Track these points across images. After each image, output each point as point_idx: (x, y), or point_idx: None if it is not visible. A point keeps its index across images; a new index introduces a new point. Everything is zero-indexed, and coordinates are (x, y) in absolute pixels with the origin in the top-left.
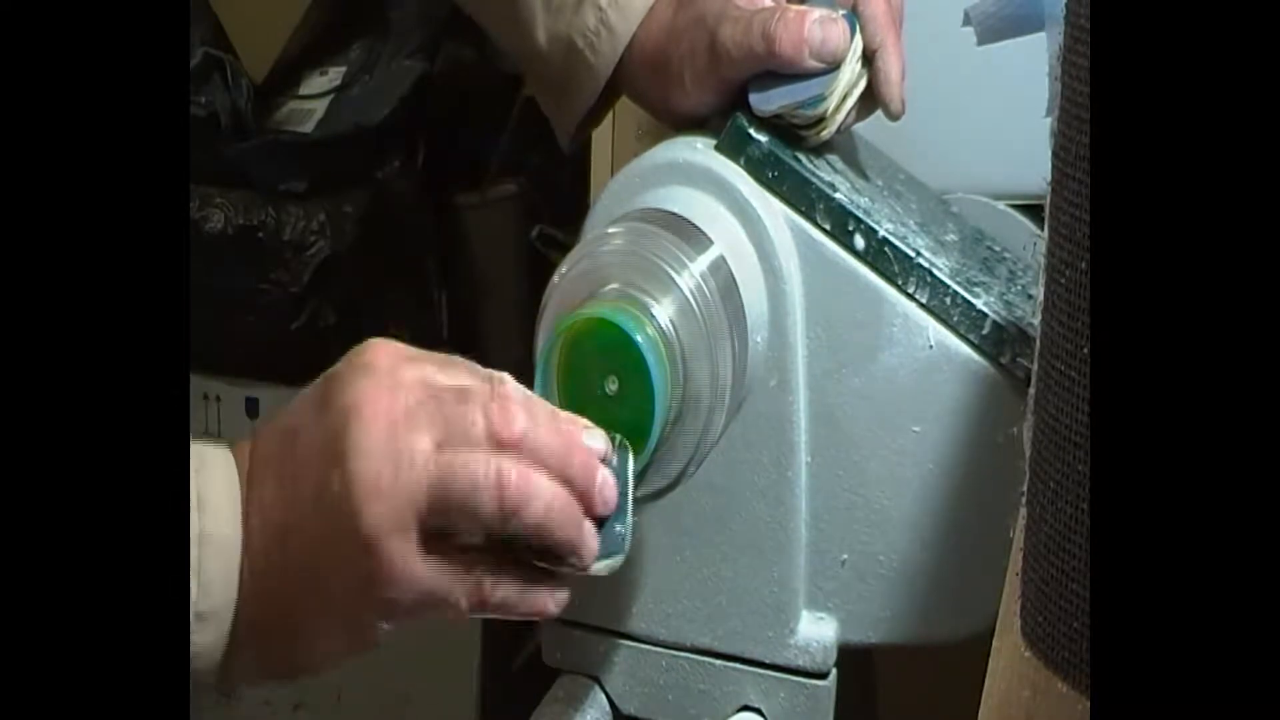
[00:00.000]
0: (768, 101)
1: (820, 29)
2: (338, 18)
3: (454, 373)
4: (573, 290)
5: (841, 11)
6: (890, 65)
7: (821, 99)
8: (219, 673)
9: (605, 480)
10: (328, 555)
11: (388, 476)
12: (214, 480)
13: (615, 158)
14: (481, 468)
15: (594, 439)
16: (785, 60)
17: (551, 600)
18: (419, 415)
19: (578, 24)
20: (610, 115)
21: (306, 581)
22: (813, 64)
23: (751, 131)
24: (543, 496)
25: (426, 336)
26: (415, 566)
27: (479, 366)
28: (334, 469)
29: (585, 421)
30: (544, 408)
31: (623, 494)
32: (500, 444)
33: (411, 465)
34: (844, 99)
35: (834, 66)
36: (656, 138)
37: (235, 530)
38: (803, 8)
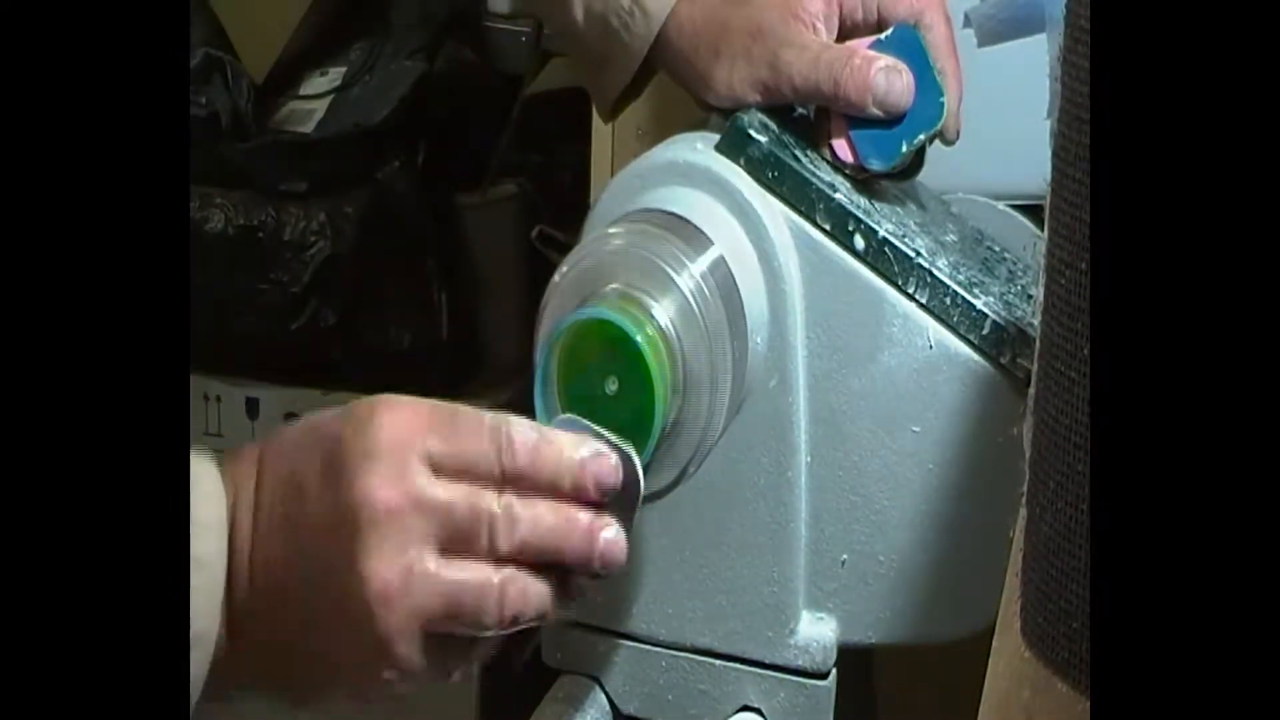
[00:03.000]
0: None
1: (885, 78)
2: (338, 18)
3: (459, 438)
4: (573, 290)
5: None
6: (950, 93)
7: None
8: (208, 691)
9: (608, 544)
10: (331, 627)
11: (397, 588)
12: (202, 500)
13: (615, 158)
14: (482, 590)
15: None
16: (847, 105)
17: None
18: (427, 529)
19: (613, 3)
20: None
21: (305, 639)
22: (874, 112)
23: (751, 132)
24: (540, 597)
25: (426, 336)
26: (419, 660)
27: (485, 415)
28: (346, 563)
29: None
30: (552, 464)
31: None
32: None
33: (423, 580)
34: None
35: (895, 116)
36: (656, 138)
37: (221, 556)
38: (871, 53)
